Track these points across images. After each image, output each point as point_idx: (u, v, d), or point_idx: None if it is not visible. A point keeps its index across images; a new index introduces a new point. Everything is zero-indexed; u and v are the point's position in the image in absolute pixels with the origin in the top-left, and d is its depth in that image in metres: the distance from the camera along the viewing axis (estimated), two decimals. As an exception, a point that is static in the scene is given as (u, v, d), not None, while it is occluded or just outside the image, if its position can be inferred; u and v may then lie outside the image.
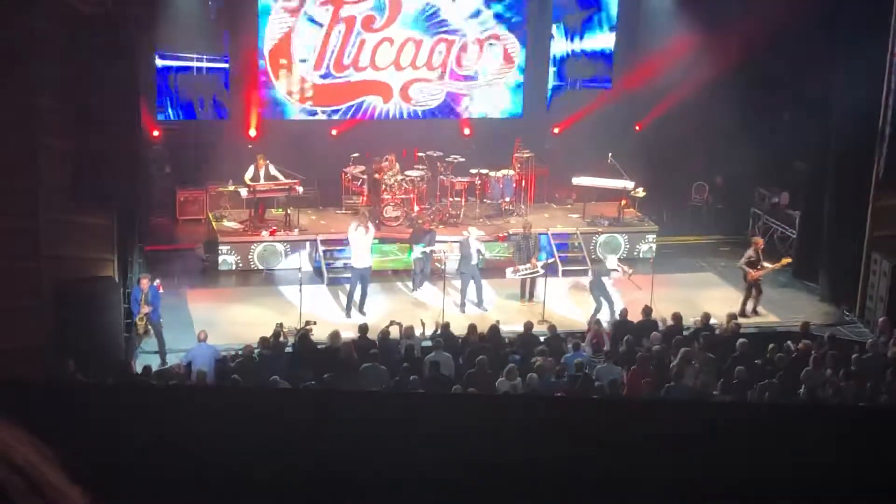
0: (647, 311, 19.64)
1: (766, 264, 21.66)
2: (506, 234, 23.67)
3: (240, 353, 17.63)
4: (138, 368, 17.67)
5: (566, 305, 21.66)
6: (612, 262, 21.83)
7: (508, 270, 21.82)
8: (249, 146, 23.69)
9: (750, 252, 21.77)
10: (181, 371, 17.22)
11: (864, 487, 3.75)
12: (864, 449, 3.85)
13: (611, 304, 20.97)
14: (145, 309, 19.04)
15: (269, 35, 24.62)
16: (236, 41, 24.45)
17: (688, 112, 25.05)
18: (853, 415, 5.87)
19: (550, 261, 22.49)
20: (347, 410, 4.15)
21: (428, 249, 22.01)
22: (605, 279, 21.22)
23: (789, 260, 22.51)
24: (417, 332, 18.51)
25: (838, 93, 21.55)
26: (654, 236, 24.43)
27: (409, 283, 22.27)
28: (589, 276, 22.02)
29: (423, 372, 16.90)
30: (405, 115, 25.72)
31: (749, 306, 21.42)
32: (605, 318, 20.46)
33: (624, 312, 19.61)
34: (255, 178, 22.93)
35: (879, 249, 21.59)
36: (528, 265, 21.67)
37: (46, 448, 1.30)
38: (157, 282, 19.52)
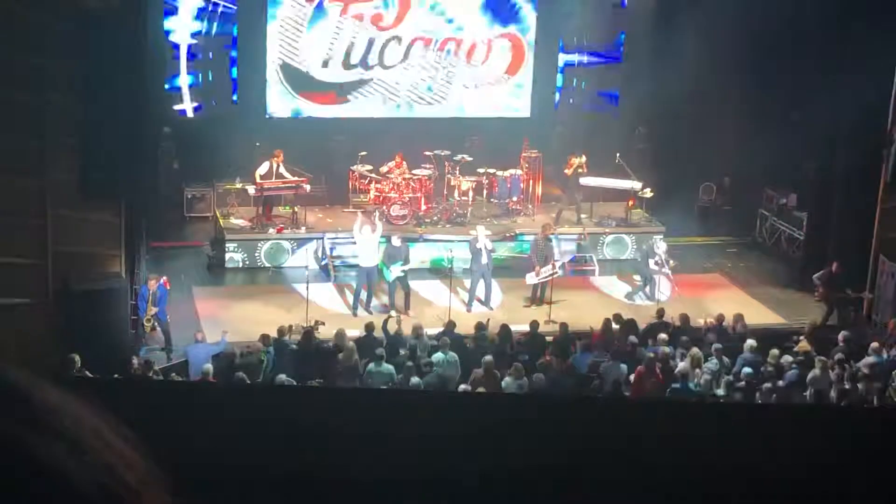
0: (661, 312, 19.66)
1: (849, 292, 21.21)
2: (513, 234, 23.65)
3: (246, 350, 17.66)
4: (142, 365, 17.69)
5: (572, 305, 21.60)
6: (660, 246, 22.02)
7: (529, 275, 21.58)
8: (257, 144, 23.70)
9: (825, 271, 21.47)
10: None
11: (870, 490, 3.73)
12: (869, 451, 3.83)
13: (652, 284, 21.59)
14: (152, 310, 19.10)
15: (278, 32, 24.62)
16: (245, 37, 24.45)
17: (695, 113, 25.00)
18: (859, 417, 5.86)
19: (568, 259, 22.33)
20: (352, 409, 4.14)
21: (408, 268, 21.25)
22: (650, 261, 21.78)
23: (869, 296, 21.52)
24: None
25: (847, 94, 21.48)
26: (662, 237, 24.39)
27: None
28: (637, 255, 22.98)
29: (429, 370, 16.92)
30: (412, 114, 25.67)
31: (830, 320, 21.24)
32: (645, 296, 21.65)
33: (618, 315, 19.60)
34: (269, 172, 22.86)
35: (887, 252, 21.55)
36: (549, 267, 21.49)
37: (139, 443, 1.28)
38: (164, 279, 19.56)
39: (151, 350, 19.08)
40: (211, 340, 18.22)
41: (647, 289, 21.95)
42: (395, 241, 21.23)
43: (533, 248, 22.00)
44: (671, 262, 21.95)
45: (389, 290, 21.10)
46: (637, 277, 22.45)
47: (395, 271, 21.00)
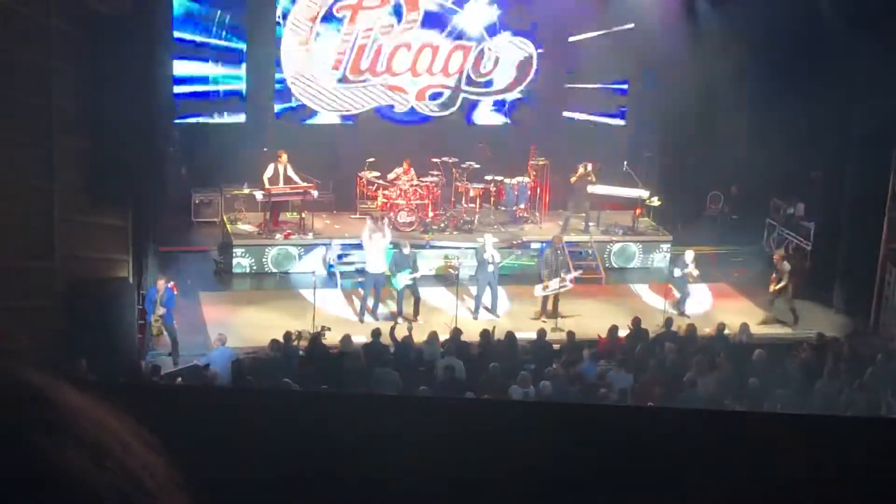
0: (669, 321, 19.66)
1: (781, 283, 21.84)
2: (519, 242, 23.64)
3: (254, 355, 17.70)
4: (149, 370, 17.70)
5: (580, 313, 21.56)
6: (689, 255, 22.04)
7: (537, 287, 21.49)
8: (265, 149, 23.73)
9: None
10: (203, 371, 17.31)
11: (876, 500, 3.72)
12: (877, 461, 3.82)
13: (684, 295, 21.66)
14: (160, 311, 19.11)
15: (287, 39, 24.66)
16: (254, 45, 24.47)
17: (703, 122, 24.97)
18: (867, 426, 5.84)
19: (579, 273, 22.22)
20: (358, 414, 4.14)
21: (418, 275, 21.26)
22: (676, 270, 21.90)
23: (776, 287, 21.94)
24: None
25: (855, 103, 21.48)
26: (669, 246, 24.39)
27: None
28: (670, 267, 23.12)
29: (435, 377, 16.90)
30: (421, 121, 25.71)
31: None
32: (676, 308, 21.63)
33: (637, 321, 19.56)
34: (275, 175, 22.89)
35: (893, 261, 21.53)
36: (557, 279, 21.43)
37: (160, 448, 1.26)
38: (171, 283, 19.58)
39: (158, 355, 19.10)
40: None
41: (679, 300, 21.87)
42: (404, 249, 21.22)
43: (543, 261, 21.89)
44: (695, 272, 21.89)
45: (398, 298, 21.08)
46: (673, 288, 22.41)
47: (402, 279, 20.97)
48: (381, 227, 21.77)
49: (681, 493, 3.72)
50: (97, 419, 1.21)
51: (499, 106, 26.23)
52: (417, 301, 21.13)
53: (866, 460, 3.82)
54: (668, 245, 24.38)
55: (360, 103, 25.37)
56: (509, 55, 25.82)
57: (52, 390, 1.21)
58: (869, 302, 21.86)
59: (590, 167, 24.09)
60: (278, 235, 23.12)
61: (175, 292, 19.54)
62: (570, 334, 19.11)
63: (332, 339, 18.35)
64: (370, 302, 21.14)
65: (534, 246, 23.51)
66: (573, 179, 24.19)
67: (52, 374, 1.23)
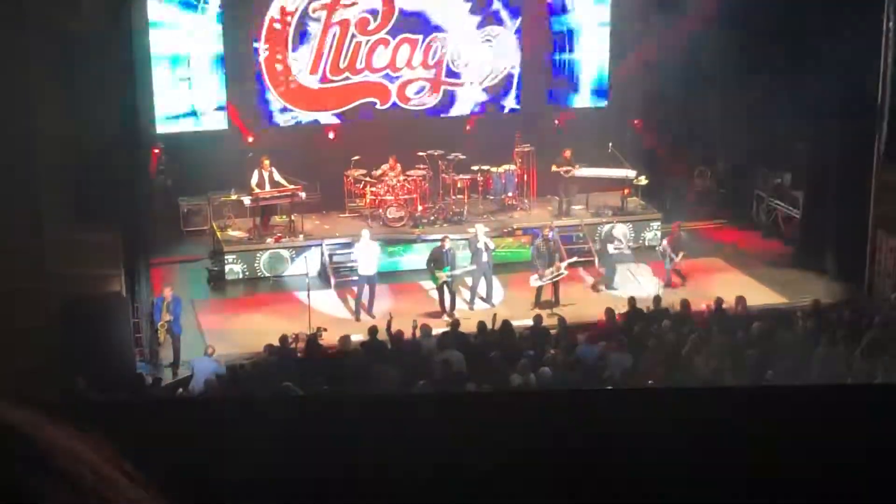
0: (657, 299, 19.69)
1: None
2: (510, 230, 23.63)
3: (252, 360, 17.68)
4: (149, 381, 17.70)
5: (577, 297, 21.59)
6: (618, 230, 22.12)
7: (533, 277, 21.53)
8: (250, 154, 23.68)
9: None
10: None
11: (877, 469, 3.74)
12: (877, 429, 3.83)
13: (612, 273, 21.67)
14: (167, 318, 19.20)
15: (265, 41, 24.61)
16: (233, 48, 24.37)
17: (686, 97, 24.99)
18: (867, 394, 5.85)
19: (574, 259, 22.22)
20: (361, 414, 4.15)
21: (458, 272, 21.27)
22: (609, 246, 22.08)
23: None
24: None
25: (836, 69, 21.46)
26: (659, 224, 24.41)
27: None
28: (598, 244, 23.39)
29: (433, 371, 16.88)
30: (403, 116, 25.68)
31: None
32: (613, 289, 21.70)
33: (633, 301, 19.60)
34: (261, 182, 22.89)
35: (884, 225, 21.56)
36: (553, 269, 21.44)
37: (144, 481, 1.23)
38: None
39: (159, 366, 19.12)
40: (222, 352, 18.21)
41: (607, 277, 21.96)
42: (443, 246, 21.21)
43: (534, 254, 21.87)
44: (628, 246, 22.07)
45: (439, 295, 21.13)
46: (598, 265, 22.52)
47: (441, 276, 20.95)
48: (369, 227, 21.82)
49: (687, 473, 3.73)
50: (77, 455, 1.18)
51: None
52: (453, 297, 21.14)
53: (866, 427, 3.83)
54: (659, 223, 24.40)
55: (342, 102, 25.33)
56: (489, 42, 25.78)
57: (29, 427, 1.18)
58: (862, 267, 21.90)
59: (567, 155, 24.17)
60: (269, 239, 23.11)
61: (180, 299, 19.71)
62: (561, 319, 19.17)
63: (329, 339, 18.35)
64: (365, 300, 21.15)
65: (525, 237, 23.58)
66: (555, 169, 24.23)
67: (29, 411, 1.20)
